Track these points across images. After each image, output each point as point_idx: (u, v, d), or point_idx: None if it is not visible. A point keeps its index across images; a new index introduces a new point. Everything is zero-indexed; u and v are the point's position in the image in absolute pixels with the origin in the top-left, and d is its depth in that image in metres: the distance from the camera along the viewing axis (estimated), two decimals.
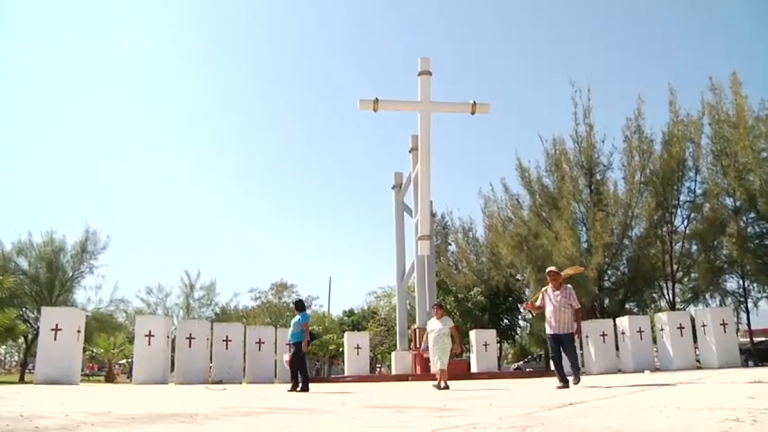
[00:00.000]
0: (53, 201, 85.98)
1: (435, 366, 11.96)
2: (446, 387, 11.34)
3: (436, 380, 11.94)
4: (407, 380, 20.33)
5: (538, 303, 10.22)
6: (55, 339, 15.66)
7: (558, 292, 9.89)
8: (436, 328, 12.11)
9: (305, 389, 11.69)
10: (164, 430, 4.22)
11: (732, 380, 9.83)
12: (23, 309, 36.84)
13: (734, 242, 26.34)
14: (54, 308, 25.07)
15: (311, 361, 44.22)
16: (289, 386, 12.15)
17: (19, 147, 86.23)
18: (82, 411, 5.56)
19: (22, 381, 31.01)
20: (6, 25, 75.25)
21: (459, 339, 12.17)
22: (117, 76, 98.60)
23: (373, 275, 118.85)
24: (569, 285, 10.07)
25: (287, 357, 12.83)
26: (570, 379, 9.76)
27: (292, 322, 12.66)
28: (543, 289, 10.15)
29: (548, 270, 10.43)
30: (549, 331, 9.94)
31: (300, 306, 12.93)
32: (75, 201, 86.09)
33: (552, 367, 10.39)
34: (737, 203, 27.35)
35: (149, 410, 5.91)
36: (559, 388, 9.31)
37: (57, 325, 15.77)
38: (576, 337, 9.86)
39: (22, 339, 39.39)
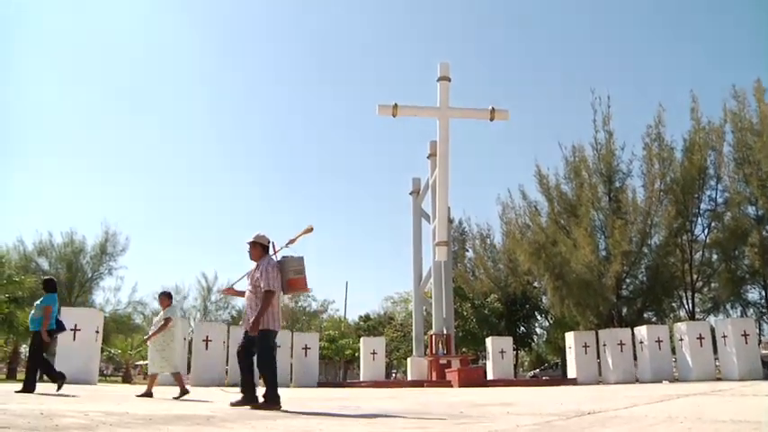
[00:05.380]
0: (73, 201, 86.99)
1: (150, 367, 9.89)
2: (147, 395, 9.31)
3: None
4: (423, 386, 20.23)
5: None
6: (74, 339, 15.84)
7: (253, 269, 6.91)
8: (155, 321, 10.02)
9: (27, 389, 9.17)
10: None
11: (755, 392, 9.67)
12: None
13: (756, 252, 25.95)
14: (73, 308, 25.29)
15: (326, 366, 44.24)
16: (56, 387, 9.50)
17: (37, 146, 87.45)
18: (100, 411, 5.61)
19: (40, 380, 31.36)
20: (14, 22, 76.45)
21: (159, 330, 9.65)
22: (132, 75, 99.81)
23: (390, 281, 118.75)
24: (288, 256, 6.96)
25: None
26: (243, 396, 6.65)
27: (35, 305, 9.94)
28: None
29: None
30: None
31: (48, 286, 9.98)
32: (95, 201, 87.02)
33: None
34: (760, 212, 26.94)
35: (166, 412, 5.95)
36: (235, 404, 6.66)
37: (76, 325, 15.95)
38: (251, 332, 6.53)
39: None
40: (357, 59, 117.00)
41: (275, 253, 6.98)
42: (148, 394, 9.32)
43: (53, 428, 4.03)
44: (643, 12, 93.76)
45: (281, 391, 6.61)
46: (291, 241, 7.15)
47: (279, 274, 6.72)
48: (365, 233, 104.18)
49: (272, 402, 6.44)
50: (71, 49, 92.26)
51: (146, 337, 9.80)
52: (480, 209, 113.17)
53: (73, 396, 8.62)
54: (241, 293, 7.09)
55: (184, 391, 9.40)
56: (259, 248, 6.87)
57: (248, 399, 6.57)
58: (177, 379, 9.75)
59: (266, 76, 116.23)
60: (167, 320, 9.71)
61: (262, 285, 6.56)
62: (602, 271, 26.62)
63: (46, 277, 10.66)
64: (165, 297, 10.24)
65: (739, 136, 27.27)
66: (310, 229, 7.32)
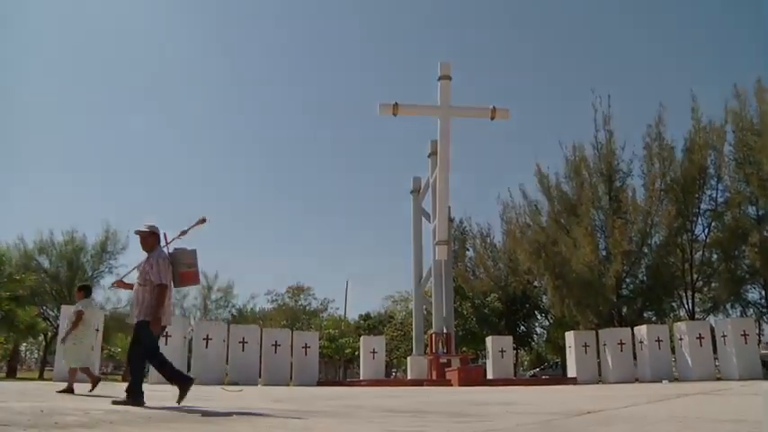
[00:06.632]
0: (75, 199, 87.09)
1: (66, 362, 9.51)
2: (67, 390, 8.85)
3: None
4: (423, 385, 20.23)
5: None
6: None
7: (143, 261, 6.60)
8: (68, 314, 9.58)
9: None
10: (181, 429, 4.25)
11: (755, 392, 9.66)
12: (44, 307, 37.43)
13: (756, 252, 25.95)
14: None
15: (326, 365, 44.25)
16: None
17: (39, 146, 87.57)
18: (100, 409, 5.61)
19: (41, 378, 31.43)
20: (15, 22, 76.44)
21: (74, 326, 9.29)
22: (133, 75, 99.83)
23: (390, 280, 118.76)
24: (180, 249, 6.70)
25: None
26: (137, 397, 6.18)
27: None
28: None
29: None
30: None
31: None
32: (96, 200, 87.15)
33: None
34: (760, 212, 26.97)
35: (166, 410, 5.94)
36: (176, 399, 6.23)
37: None
38: (152, 329, 6.25)
39: (42, 337, 40.00)
40: (358, 56, 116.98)
41: (167, 245, 6.74)
42: (69, 390, 8.87)
43: (53, 426, 4.04)
44: (644, 11, 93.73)
45: (280, 389, 6.62)
46: (183, 233, 6.90)
47: (170, 268, 6.50)
48: (366, 232, 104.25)
49: (137, 397, 6.16)
50: (72, 49, 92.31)
51: (61, 338, 9.36)
52: (481, 208, 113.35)
53: (73, 394, 8.62)
54: (131, 286, 6.79)
55: (70, 390, 8.85)
56: (151, 239, 6.62)
57: (182, 392, 6.26)
58: (71, 374, 9.27)
59: (266, 73, 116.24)
60: (79, 314, 9.34)
61: (153, 279, 6.32)
62: (602, 270, 26.63)
63: None
64: (79, 290, 9.90)
65: (740, 136, 27.28)
66: (203, 221, 7.10)
